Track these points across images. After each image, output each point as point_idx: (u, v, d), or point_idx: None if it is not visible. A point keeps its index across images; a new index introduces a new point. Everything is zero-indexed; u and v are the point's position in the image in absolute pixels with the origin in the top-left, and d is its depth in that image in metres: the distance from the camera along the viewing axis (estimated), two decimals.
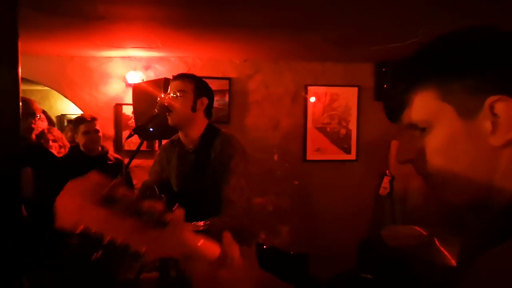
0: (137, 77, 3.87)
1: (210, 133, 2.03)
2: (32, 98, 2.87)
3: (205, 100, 2.03)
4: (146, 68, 3.98)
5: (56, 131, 3.42)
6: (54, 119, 6.95)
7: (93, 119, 3.06)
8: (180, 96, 1.98)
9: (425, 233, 2.36)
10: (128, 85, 3.90)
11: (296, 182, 4.18)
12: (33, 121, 2.78)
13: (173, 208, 0.63)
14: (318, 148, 4.21)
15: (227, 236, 0.71)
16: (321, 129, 4.21)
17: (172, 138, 2.19)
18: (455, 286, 0.57)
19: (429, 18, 2.56)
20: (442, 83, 0.60)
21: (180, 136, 2.09)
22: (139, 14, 2.57)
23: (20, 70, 1.47)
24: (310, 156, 4.20)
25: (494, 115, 0.57)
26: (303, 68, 4.17)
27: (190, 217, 0.77)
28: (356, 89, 4.21)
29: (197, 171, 1.98)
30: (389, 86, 0.68)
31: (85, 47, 3.53)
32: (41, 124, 3.01)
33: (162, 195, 0.67)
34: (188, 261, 0.67)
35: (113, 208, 0.58)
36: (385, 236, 2.50)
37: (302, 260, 3.52)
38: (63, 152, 3.25)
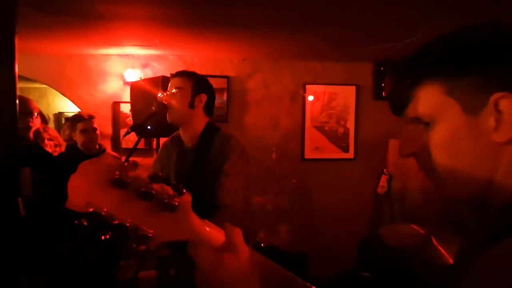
0: (135, 75, 3.87)
1: (210, 131, 1.99)
2: (30, 96, 2.87)
3: (203, 97, 2.00)
4: (144, 66, 3.97)
5: (51, 130, 3.41)
6: (52, 117, 6.96)
7: (91, 117, 3.05)
8: (177, 92, 1.96)
9: (422, 231, 2.36)
10: (126, 83, 3.89)
11: (294, 181, 4.18)
12: (30, 119, 2.78)
13: (183, 192, 0.63)
14: (317, 147, 4.21)
15: (229, 225, 0.71)
16: (320, 128, 4.21)
17: (173, 134, 2.17)
18: (453, 285, 0.57)
19: (428, 17, 2.56)
20: (448, 79, 0.61)
21: (180, 133, 2.07)
22: (138, 12, 2.56)
23: (17, 69, 1.47)
24: (309, 155, 4.20)
25: (499, 111, 0.57)
26: (303, 67, 4.17)
27: None
28: (354, 88, 4.21)
29: (194, 171, 1.95)
30: (396, 79, 0.68)
31: (84, 45, 3.52)
32: (37, 122, 3.01)
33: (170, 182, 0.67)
34: (195, 247, 0.68)
35: (124, 190, 0.59)
36: (384, 235, 2.51)
37: (301, 259, 3.53)
38: (58, 151, 3.24)
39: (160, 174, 0.64)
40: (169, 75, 3.30)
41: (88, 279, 2.51)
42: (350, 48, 3.52)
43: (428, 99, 0.62)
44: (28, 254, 1.88)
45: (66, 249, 2.41)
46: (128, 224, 0.59)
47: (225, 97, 4.02)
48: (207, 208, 1.78)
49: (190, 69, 4.05)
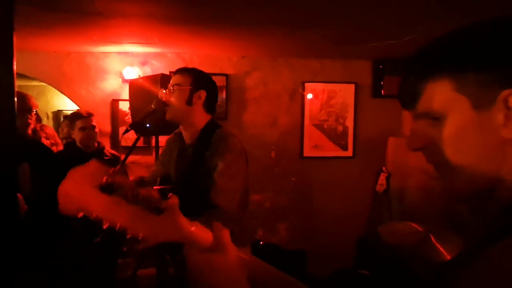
0: (134, 72, 3.86)
1: (210, 129, 1.95)
2: (29, 93, 2.85)
3: (203, 93, 1.96)
4: (143, 63, 3.97)
5: (48, 129, 3.40)
6: (51, 115, 6.95)
7: (90, 115, 3.05)
8: (175, 89, 1.94)
9: (421, 229, 2.37)
10: (124, 80, 3.89)
11: (293, 179, 4.18)
12: (29, 116, 2.77)
13: (168, 196, 0.66)
14: (315, 145, 4.21)
15: (217, 225, 0.73)
16: (319, 126, 4.21)
17: (175, 131, 2.14)
18: (453, 285, 0.57)
19: (427, 16, 2.56)
20: (457, 74, 0.61)
21: (181, 130, 2.06)
22: (137, 10, 2.56)
23: (15, 66, 1.46)
24: (307, 153, 4.20)
25: (508, 108, 0.57)
26: (302, 66, 4.17)
27: (184, 214, 0.76)
28: (353, 86, 4.21)
29: (192, 168, 1.92)
30: (406, 74, 0.68)
31: (82, 43, 3.51)
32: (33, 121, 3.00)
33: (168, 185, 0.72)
34: (190, 248, 0.70)
35: (112, 195, 0.61)
36: (382, 233, 2.51)
37: (300, 257, 3.53)
38: (55, 149, 3.24)
39: (161, 170, 0.68)
40: (168, 73, 3.29)
41: (87, 278, 2.51)
42: (349, 47, 3.52)
43: (438, 94, 0.62)
44: (28, 254, 1.88)
45: (65, 248, 2.41)
46: (117, 228, 0.61)
47: (224, 95, 4.02)
48: (201, 206, 1.74)
49: (189, 66, 4.03)
